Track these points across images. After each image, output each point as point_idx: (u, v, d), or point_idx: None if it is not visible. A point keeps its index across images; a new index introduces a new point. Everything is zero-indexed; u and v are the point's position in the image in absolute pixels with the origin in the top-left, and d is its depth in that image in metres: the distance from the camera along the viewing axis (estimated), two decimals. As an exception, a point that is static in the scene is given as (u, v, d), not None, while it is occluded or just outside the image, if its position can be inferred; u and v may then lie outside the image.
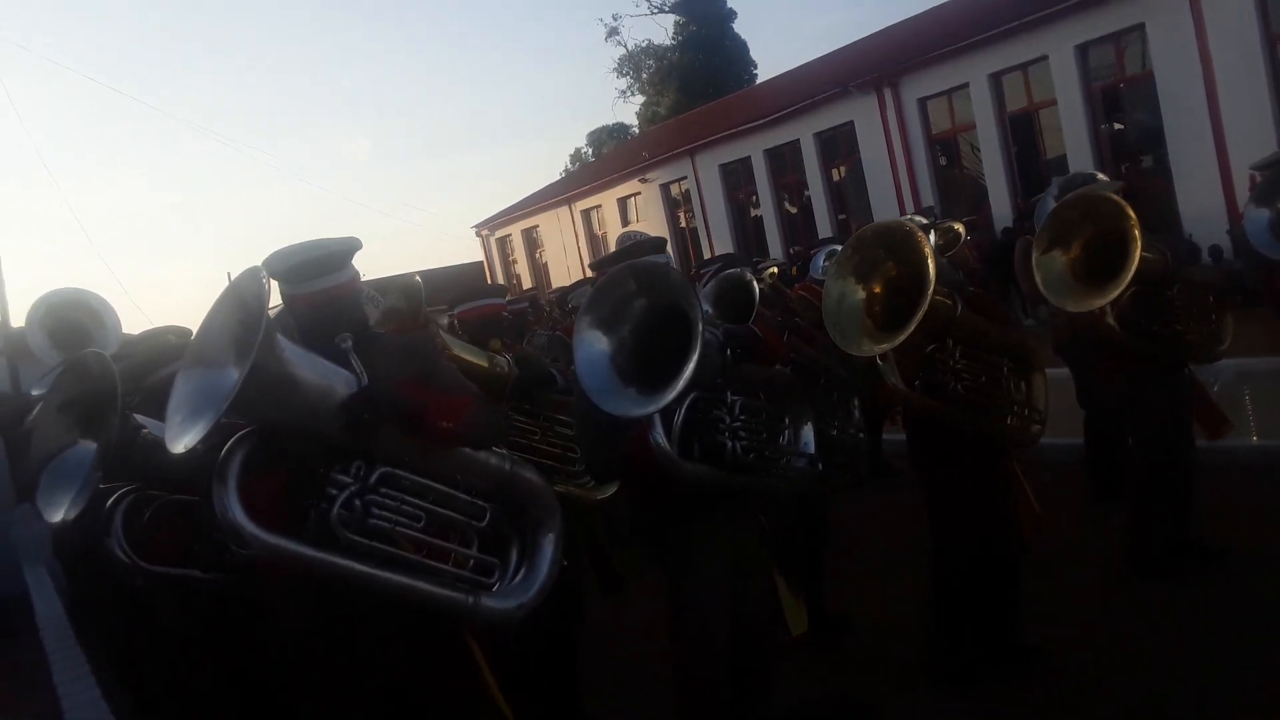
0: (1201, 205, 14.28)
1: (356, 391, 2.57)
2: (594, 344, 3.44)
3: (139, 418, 3.44)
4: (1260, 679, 3.91)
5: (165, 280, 64.39)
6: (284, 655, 3.12)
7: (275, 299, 2.90)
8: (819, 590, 5.27)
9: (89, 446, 3.50)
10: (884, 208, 19.67)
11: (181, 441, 2.34)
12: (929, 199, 19.47)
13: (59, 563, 7.30)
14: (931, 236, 5.68)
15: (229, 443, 2.47)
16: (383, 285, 4.73)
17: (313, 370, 2.53)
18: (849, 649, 5.01)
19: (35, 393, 5.71)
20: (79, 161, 66.83)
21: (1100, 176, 5.57)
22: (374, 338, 2.91)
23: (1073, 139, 17.13)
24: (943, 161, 20.36)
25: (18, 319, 12.12)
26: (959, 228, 7.00)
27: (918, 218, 5.82)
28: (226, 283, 2.69)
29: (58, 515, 3.47)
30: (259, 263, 2.53)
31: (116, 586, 3.94)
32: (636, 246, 3.96)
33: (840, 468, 5.70)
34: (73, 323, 7.12)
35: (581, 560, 4.73)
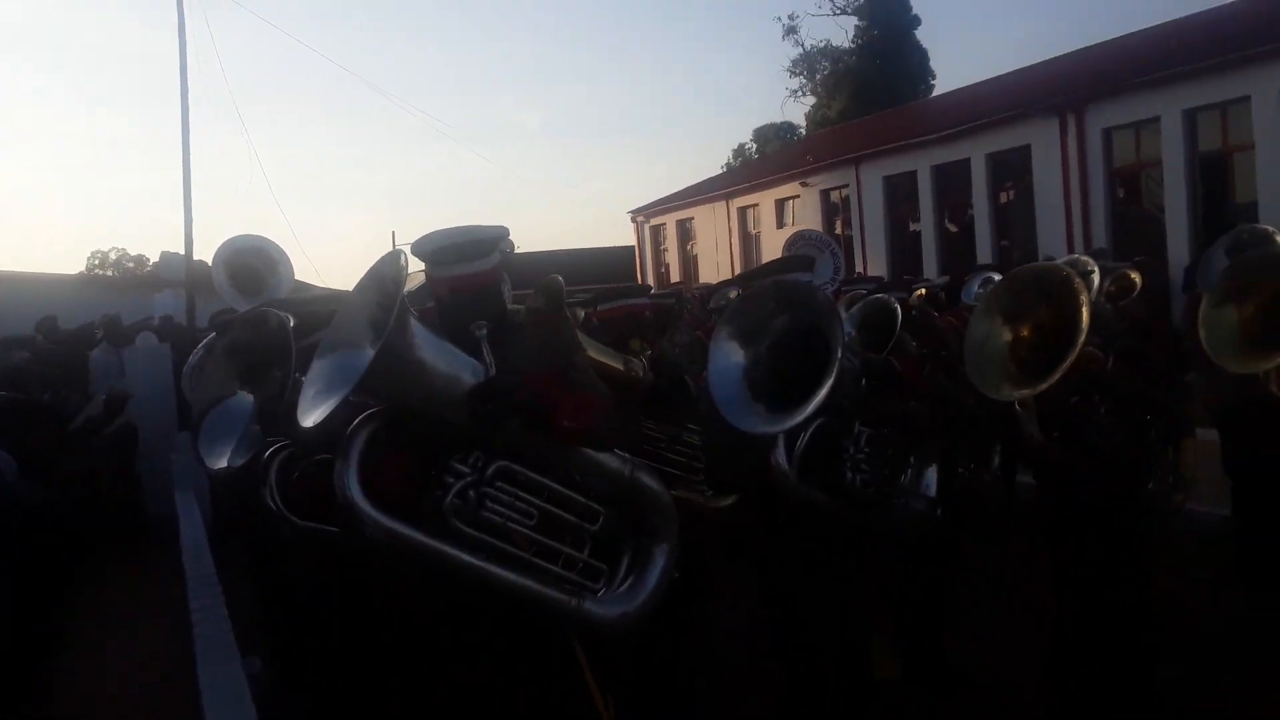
0: None
1: (484, 382, 2.57)
2: (729, 355, 3.43)
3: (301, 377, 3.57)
4: None
5: (333, 231, 67.55)
6: (399, 625, 3.20)
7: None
8: (937, 637, 5.02)
9: (247, 399, 3.66)
10: (1050, 238, 18.87)
11: (311, 416, 2.39)
12: (1100, 235, 18.57)
13: (211, 493, 7.77)
14: (1098, 280, 5.46)
15: (356, 420, 2.51)
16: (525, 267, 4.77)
17: (442, 356, 2.55)
18: (963, 703, 4.76)
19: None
20: (268, 110, 70.75)
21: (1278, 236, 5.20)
22: (512, 328, 2.90)
23: (1269, 187, 16.03)
24: (1121, 195, 19.40)
25: (199, 252, 13.06)
26: (1135, 277, 6.64)
27: (1084, 259, 5.56)
28: (390, 242, 2.77)
29: (220, 463, 3.66)
30: (405, 246, 2.57)
31: (263, 531, 4.14)
32: (785, 262, 3.93)
33: (967, 513, 5.46)
34: (251, 268, 7.72)
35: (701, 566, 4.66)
